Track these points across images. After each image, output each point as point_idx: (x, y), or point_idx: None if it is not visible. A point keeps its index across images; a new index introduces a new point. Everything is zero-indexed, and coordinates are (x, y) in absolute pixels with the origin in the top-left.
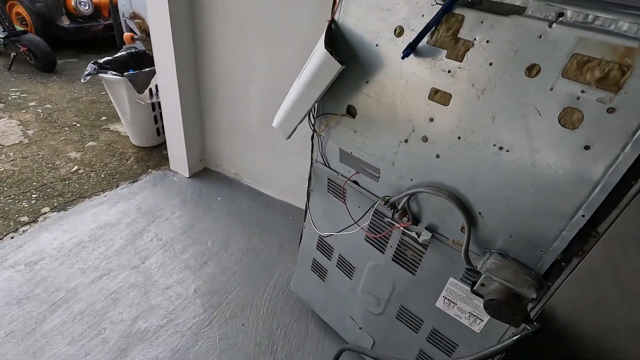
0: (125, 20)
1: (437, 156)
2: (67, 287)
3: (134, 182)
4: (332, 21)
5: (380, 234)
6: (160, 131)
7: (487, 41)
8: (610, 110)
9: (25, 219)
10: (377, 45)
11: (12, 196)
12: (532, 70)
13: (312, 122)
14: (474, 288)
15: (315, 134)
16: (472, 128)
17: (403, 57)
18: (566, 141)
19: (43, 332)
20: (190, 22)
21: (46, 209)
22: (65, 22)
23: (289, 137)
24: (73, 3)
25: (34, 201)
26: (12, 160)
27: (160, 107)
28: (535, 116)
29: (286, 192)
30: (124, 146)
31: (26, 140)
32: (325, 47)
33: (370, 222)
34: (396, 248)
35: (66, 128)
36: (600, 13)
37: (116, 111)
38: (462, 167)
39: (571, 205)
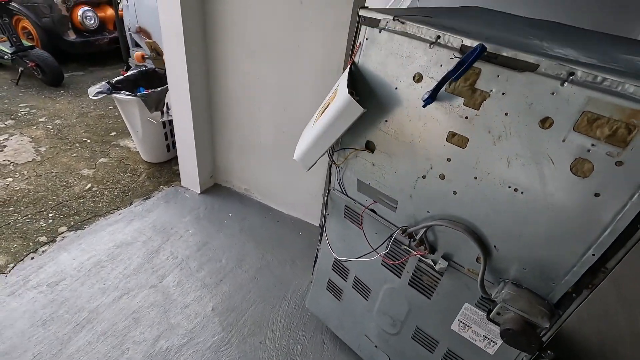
0: (130, 35)
1: (454, 193)
2: (89, 308)
3: (146, 199)
4: (353, 63)
5: (398, 260)
6: (170, 147)
7: (503, 93)
8: (619, 163)
9: (43, 238)
10: (396, 88)
11: (30, 215)
12: (546, 122)
13: (331, 154)
14: (490, 316)
15: (333, 164)
16: (488, 170)
17: (424, 106)
18: (578, 188)
19: (69, 353)
20: (203, 43)
21: (63, 228)
22: (72, 36)
23: (309, 169)
24: (79, 17)
25: (50, 220)
26: (27, 178)
27: (171, 124)
28: (549, 164)
29: (295, 207)
30: (135, 162)
31: (39, 158)
32: (347, 88)
33: (388, 249)
34: (412, 273)
35: (77, 144)
36: (608, 75)
37: (125, 126)
38: (478, 204)
39: (582, 245)
